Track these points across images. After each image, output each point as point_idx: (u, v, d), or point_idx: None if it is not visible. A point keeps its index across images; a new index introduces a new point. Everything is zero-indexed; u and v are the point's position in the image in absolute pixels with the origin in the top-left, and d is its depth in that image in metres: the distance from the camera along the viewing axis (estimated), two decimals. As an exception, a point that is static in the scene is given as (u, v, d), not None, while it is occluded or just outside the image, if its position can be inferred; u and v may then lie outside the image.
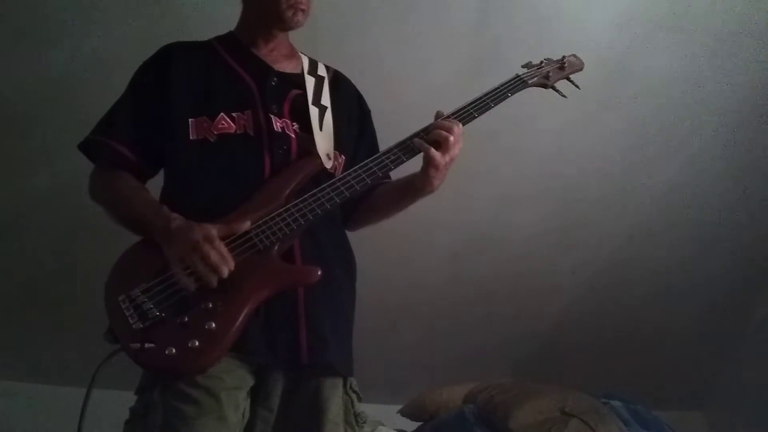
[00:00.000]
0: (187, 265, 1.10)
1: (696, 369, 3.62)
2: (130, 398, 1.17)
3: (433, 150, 1.23)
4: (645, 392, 2.91)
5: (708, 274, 3.32)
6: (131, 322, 1.08)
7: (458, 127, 1.26)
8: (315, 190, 1.21)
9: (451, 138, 1.24)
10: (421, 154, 1.26)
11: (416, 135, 1.28)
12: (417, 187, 1.31)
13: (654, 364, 3.50)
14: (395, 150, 1.27)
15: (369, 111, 1.54)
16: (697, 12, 2.47)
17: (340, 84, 1.48)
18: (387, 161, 1.25)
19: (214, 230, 1.12)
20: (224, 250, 1.11)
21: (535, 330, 3.41)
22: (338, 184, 1.22)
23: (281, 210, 1.18)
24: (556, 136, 2.81)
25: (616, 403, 2.42)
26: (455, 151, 1.25)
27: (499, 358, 3.42)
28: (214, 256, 1.09)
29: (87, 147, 1.32)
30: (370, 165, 1.24)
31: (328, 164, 1.30)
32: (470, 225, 3.01)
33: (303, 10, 1.36)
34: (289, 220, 1.17)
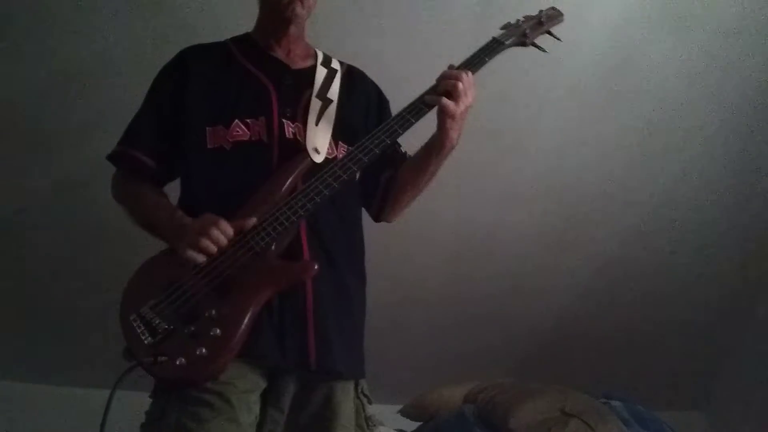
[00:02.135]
0: (194, 245, 1.13)
1: (696, 369, 3.62)
2: (138, 400, 1.19)
3: (444, 99, 1.23)
4: (645, 392, 2.92)
5: (708, 274, 3.32)
6: (143, 338, 1.10)
7: (467, 74, 1.26)
8: (304, 186, 1.20)
9: (460, 84, 1.24)
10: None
11: (424, 94, 1.28)
12: (438, 146, 1.30)
13: (654, 363, 3.50)
14: (400, 116, 1.26)
15: (387, 101, 1.53)
16: (697, 10, 2.47)
17: (355, 78, 1.48)
18: (382, 136, 1.24)
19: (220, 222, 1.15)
20: (227, 226, 1.15)
21: (536, 330, 3.41)
22: (325, 175, 1.20)
23: (273, 210, 1.18)
24: (556, 134, 2.81)
25: (616, 403, 2.42)
26: (469, 98, 1.25)
27: (499, 357, 3.42)
28: (215, 231, 1.13)
29: (113, 158, 1.36)
30: (354, 152, 1.23)
31: (318, 159, 1.28)
32: (470, 223, 3.01)
33: (300, 1, 1.34)
34: (281, 218, 1.17)
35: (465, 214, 2.91)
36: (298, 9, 1.35)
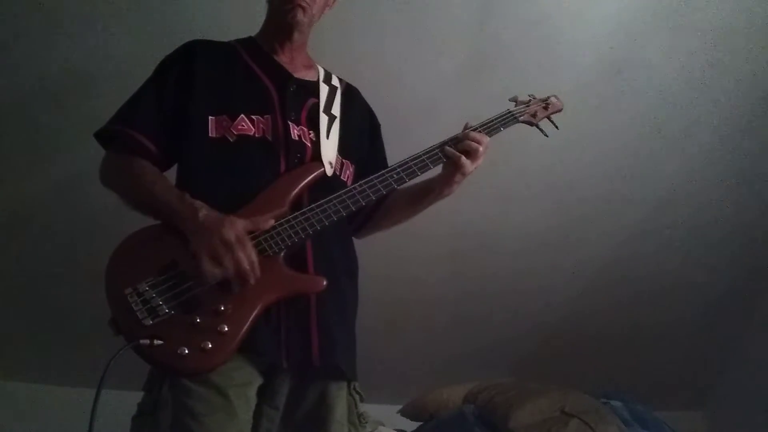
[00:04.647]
0: (216, 260, 1.11)
1: (696, 369, 3.62)
2: (133, 399, 1.18)
3: (464, 158, 1.33)
4: (645, 392, 2.92)
5: (708, 274, 3.32)
6: (140, 317, 1.09)
7: (487, 139, 1.36)
8: (322, 201, 1.23)
9: (481, 149, 1.34)
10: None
11: (445, 144, 1.35)
12: (437, 192, 1.40)
13: (654, 363, 3.49)
14: (420, 158, 1.32)
15: (379, 125, 1.57)
16: (697, 9, 2.47)
17: (353, 96, 1.51)
18: (402, 173, 1.30)
19: (242, 227, 1.14)
20: (254, 256, 1.13)
21: (535, 329, 3.41)
22: (344, 197, 1.25)
23: (289, 217, 1.20)
24: (557, 133, 2.80)
25: (616, 403, 2.42)
26: (480, 161, 1.36)
27: (499, 357, 3.41)
28: (245, 263, 1.11)
29: (105, 136, 1.31)
30: (375, 182, 1.28)
31: (330, 172, 1.32)
32: (470, 222, 3.01)
33: (302, 7, 1.36)
34: (297, 228, 1.19)
35: (465, 213, 2.91)
36: (299, 16, 1.37)
